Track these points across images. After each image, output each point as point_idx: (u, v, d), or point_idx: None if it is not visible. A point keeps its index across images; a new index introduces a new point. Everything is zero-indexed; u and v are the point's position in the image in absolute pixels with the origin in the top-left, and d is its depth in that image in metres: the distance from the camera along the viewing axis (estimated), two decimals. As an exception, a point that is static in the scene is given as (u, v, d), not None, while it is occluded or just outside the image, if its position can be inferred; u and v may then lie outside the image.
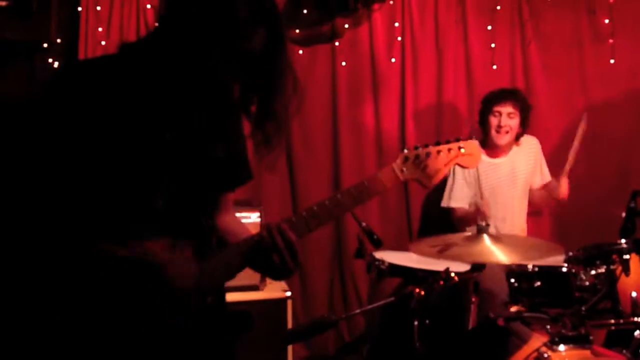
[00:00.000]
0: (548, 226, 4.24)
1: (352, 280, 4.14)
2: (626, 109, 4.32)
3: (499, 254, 2.43)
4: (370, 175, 1.66)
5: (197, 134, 1.49)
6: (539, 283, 2.63)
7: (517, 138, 3.73)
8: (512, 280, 2.72)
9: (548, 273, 2.64)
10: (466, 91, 4.27)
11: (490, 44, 4.27)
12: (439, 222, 3.95)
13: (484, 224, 2.65)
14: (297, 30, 4.03)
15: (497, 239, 2.53)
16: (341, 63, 4.12)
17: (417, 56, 4.20)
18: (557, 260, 2.68)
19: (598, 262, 2.51)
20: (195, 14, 1.38)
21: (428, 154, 1.68)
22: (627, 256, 2.44)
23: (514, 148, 3.77)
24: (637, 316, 2.42)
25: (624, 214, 2.61)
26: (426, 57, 4.21)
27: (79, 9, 3.75)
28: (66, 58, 3.66)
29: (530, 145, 3.81)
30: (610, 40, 4.29)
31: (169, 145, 1.46)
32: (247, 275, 3.25)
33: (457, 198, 3.73)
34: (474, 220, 2.96)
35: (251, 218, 3.38)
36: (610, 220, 2.97)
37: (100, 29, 3.78)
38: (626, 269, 2.42)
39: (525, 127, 3.71)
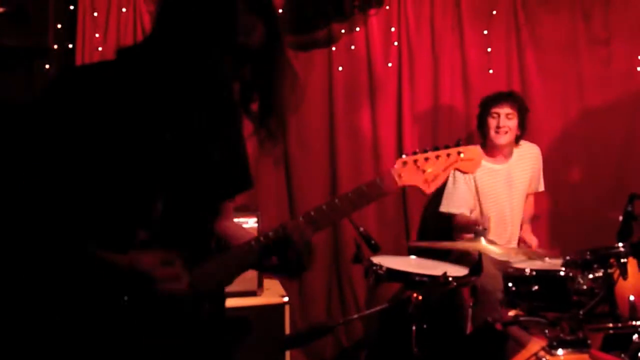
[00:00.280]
0: (545, 230, 4.24)
1: (349, 285, 4.13)
2: (622, 112, 4.33)
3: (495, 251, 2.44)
4: (368, 180, 1.66)
5: (197, 136, 1.49)
6: (536, 287, 2.63)
7: (516, 140, 3.73)
8: (510, 284, 2.72)
9: (546, 277, 2.64)
10: (463, 95, 4.27)
11: (487, 48, 4.28)
12: (438, 227, 3.95)
13: (481, 228, 2.66)
14: (294, 35, 4.04)
15: (493, 243, 2.55)
16: (338, 68, 4.12)
17: (413, 61, 4.20)
18: (555, 264, 2.69)
19: (595, 266, 2.51)
20: (192, 12, 1.38)
21: (426, 159, 1.68)
22: (624, 260, 2.44)
23: (514, 155, 3.77)
24: (635, 320, 2.42)
25: (621, 218, 2.62)
26: (423, 62, 4.22)
27: (77, 15, 3.75)
28: (64, 64, 3.66)
29: (531, 153, 3.82)
30: (606, 44, 4.30)
31: (169, 148, 1.46)
32: (245, 281, 3.26)
33: (458, 204, 3.70)
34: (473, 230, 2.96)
35: (248, 223, 3.37)
36: (607, 224, 2.98)
37: (97, 35, 3.78)
38: (624, 273, 2.42)
39: (523, 129, 3.72)
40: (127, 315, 1.40)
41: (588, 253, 2.54)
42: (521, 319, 2.68)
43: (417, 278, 2.74)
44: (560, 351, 2.34)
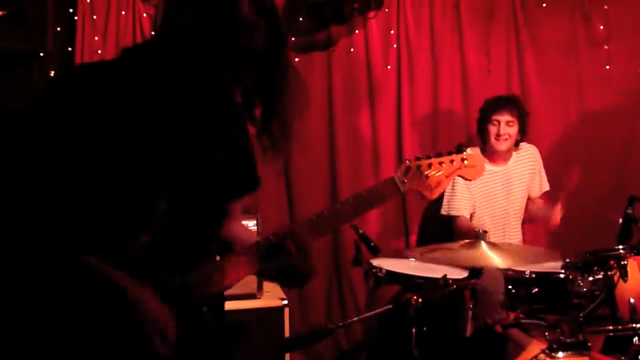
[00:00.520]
0: (545, 232, 4.24)
1: (349, 288, 4.13)
2: (622, 114, 4.33)
3: (496, 260, 2.44)
4: (370, 186, 1.65)
5: (198, 137, 1.48)
6: (536, 289, 2.63)
7: (516, 144, 3.73)
8: (510, 286, 2.72)
9: (545, 279, 2.64)
10: (462, 97, 4.27)
11: (486, 50, 4.28)
12: (438, 229, 3.94)
13: (481, 230, 2.66)
14: (293, 38, 4.04)
15: (494, 245, 2.54)
16: (337, 70, 4.12)
17: (412, 63, 4.21)
18: (555, 266, 2.68)
19: (595, 268, 2.50)
20: (195, 13, 1.37)
21: (430, 165, 1.67)
22: (624, 262, 2.44)
23: (513, 157, 3.76)
24: (635, 322, 2.42)
25: (621, 220, 2.62)
26: (422, 64, 4.22)
27: (76, 18, 3.76)
28: (63, 67, 3.66)
29: (529, 154, 3.81)
30: (606, 46, 4.30)
31: (170, 149, 1.45)
32: (245, 284, 3.24)
33: (458, 206, 3.69)
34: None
35: (248, 225, 3.37)
36: (607, 226, 2.97)
37: (96, 38, 3.78)
38: (624, 275, 2.42)
39: (524, 134, 3.72)
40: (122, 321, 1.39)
41: (588, 255, 2.53)
42: (521, 321, 2.67)
43: (417, 280, 2.74)
44: (560, 354, 2.33)
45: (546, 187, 3.86)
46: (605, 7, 4.29)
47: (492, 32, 4.29)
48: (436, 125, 4.25)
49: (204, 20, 1.37)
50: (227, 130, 1.56)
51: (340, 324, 2.37)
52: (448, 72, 4.25)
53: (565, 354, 2.33)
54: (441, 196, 3.76)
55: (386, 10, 4.17)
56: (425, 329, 2.36)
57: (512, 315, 2.76)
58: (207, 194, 1.53)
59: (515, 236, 3.75)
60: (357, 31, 4.16)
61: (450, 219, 3.74)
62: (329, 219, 1.58)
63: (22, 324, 1.34)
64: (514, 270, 2.77)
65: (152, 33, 1.40)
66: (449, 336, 2.92)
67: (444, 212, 3.75)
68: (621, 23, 4.31)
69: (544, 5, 4.31)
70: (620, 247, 2.49)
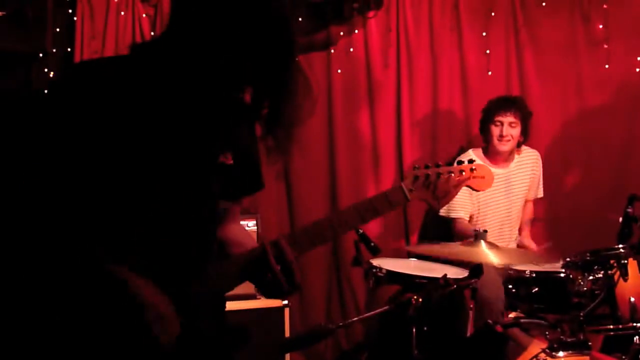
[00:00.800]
0: (545, 232, 4.24)
1: (349, 288, 4.13)
2: (621, 113, 4.33)
3: (495, 258, 2.44)
4: (378, 193, 1.64)
5: (205, 139, 1.47)
6: (536, 289, 2.63)
7: (518, 145, 3.73)
8: (510, 286, 2.72)
9: (546, 279, 2.64)
10: (462, 97, 4.27)
11: (485, 50, 4.27)
12: (439, 231, 3.94)
13: (481, 230, 2.65)
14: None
15: (493, 245, 2.54)
16: (336, 70, 4.12)
17: (412, 63, 4.20)
18: (555, 265, 2.68)
19: (596, 268, 2.51)
20: (205, 14, 1.36)
21: (439, 175, 1.65)
22: (625, 261, 2.44)
23: (515, 159, 3.77)
24: (636, 322, 2.42)
25: (621, 219, 2.62)
26: (421, 64, 4.22)
27: (75, 19, 3.75)
28: (62, 68, 3.66)
29: (531, 158, 3.82)
30: (605, 46, 4.30)
31: (170, 148, 1.44)
32: (245, 284, 3.24)
33: (457, 208, 3.68)
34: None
35: (248, 226, 3.38)
36: (607, 225, 2.97)
37: (96, 39, 3.78)
38: (624, 274, 2.42)
39: (526, 136, 3.72)
40: (126, 320, 1.39)
41: (588, 254, 2.53)
42: (521, 321, 2.67)
43: (417, 280, 2.74)
44: (560, 353, 2.33)
45: (540, 194, 3.89)
46: (605, 6, 4.29)
47: (491, 31, 4.29)
48: (436, 125, 4.24)
49: (215, 20, 1.36)
50: (233, 130, 1.55)
51: (340, 324, 2.36)
52: (447, 71, 4.25)
53: (565, 353, 2.33)
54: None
55: (386, 10, 4.16)
56: (425, 328, 2.35)
57: (512, 315, 2.76)
58: (209, 194, 1.53)
59: (514, 239, 3.76)
60: (356, 31, 4.16)
61: (451, 222, 3.74)
62: (335, 226, 1.57)
63: (23, 315, 1.35)
64: (514, 270, 2.77)
65: (160, 31, 1.38)
66: (449, 336, 2.92)
67: (443, 213, 3.74)
68: (620, 23, 4.30)
69: (544, 4, 4.30)
70: (621, 246, 2.49)
